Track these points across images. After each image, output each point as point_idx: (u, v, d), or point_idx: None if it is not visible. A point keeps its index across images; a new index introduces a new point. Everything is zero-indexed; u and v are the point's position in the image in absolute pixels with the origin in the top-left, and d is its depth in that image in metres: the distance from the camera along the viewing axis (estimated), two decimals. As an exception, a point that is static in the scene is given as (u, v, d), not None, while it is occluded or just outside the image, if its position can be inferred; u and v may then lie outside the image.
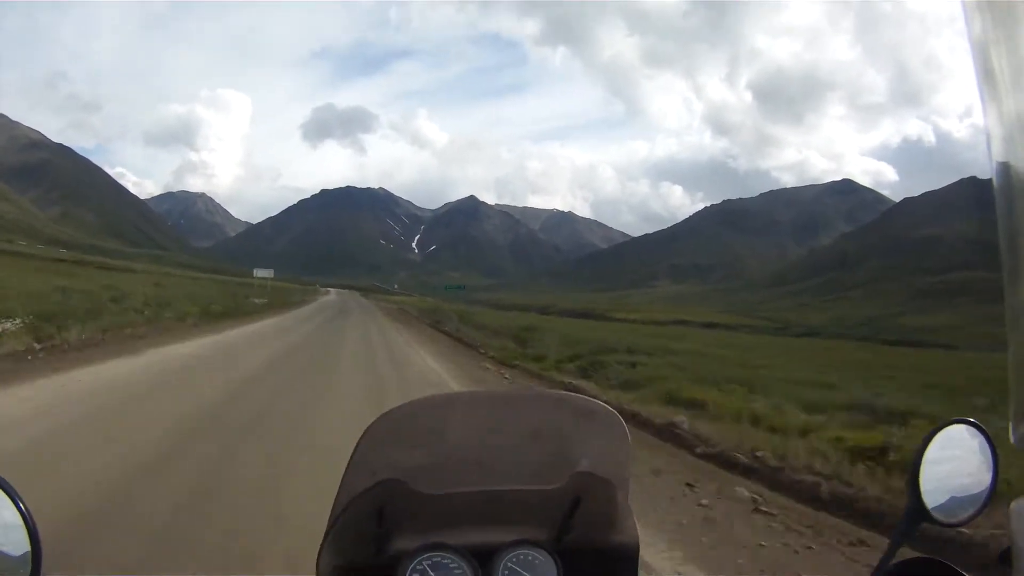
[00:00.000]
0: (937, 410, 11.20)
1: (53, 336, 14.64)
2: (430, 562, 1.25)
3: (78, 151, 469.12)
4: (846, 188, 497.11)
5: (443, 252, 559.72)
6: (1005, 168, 0.87)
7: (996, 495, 1.22)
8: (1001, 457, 1.21)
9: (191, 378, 12.36)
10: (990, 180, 0.92)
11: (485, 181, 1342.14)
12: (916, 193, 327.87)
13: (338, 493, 1.17)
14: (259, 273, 63.50)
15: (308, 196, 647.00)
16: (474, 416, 1.24)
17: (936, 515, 1.20)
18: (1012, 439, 1.00)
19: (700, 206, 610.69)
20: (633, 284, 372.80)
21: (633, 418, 11.06)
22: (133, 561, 4.01)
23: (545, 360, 19.40)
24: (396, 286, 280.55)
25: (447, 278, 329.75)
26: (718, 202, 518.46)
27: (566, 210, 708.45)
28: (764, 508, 6.76)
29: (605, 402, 1.11)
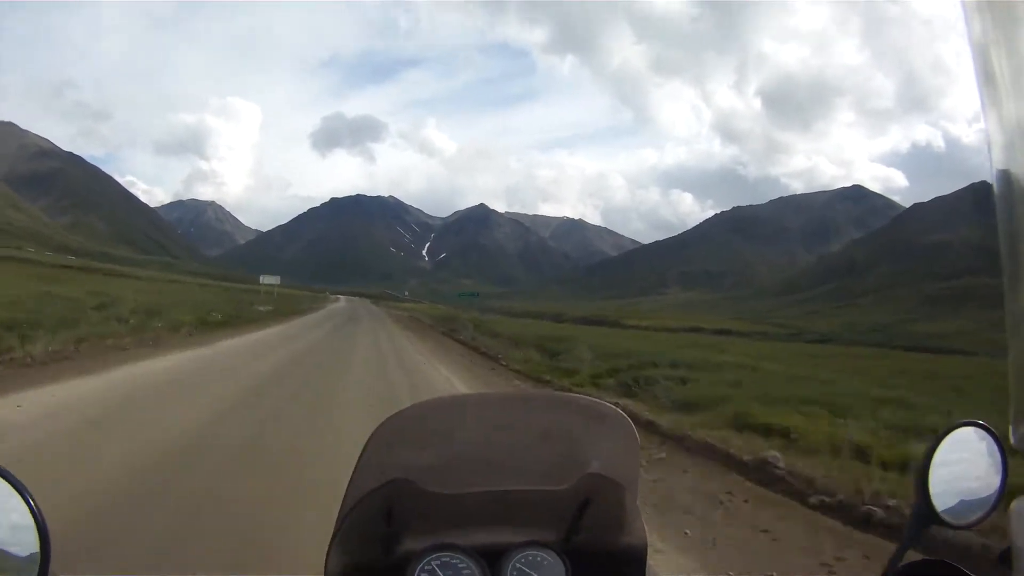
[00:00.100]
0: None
1: (13, 349, 12.59)
2: (439, 562, 1.24)
3: (88, 159, 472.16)
4: (856, 194, 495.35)
5: (453, 260, 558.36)
6: (1005, 173, 0.86)
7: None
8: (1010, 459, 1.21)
9: (152, 410, 9.50)
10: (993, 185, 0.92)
11: (495, 189, 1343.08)
12: (926, 199, 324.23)
13: (347, 493, 1.17)
14: (265, 280, 61.50)
15: (318, 204, 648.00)
16: (483, 417, 1.23)
17: (945, 517, 1.20)
18: (1012, 440, 1.00)
19: (710, 213, 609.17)
20: (643, 291, 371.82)
21: (710, 451, 8.98)
22: None
23: (578, 375, 17.26)
24: (407, 293, 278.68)
25: (458, 286, 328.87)
26: (728, 209, 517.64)
27: (576, 218, 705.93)
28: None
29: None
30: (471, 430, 1.21)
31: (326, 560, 1.21)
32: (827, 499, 7.07)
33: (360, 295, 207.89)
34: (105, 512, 5.06)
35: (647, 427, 10.89)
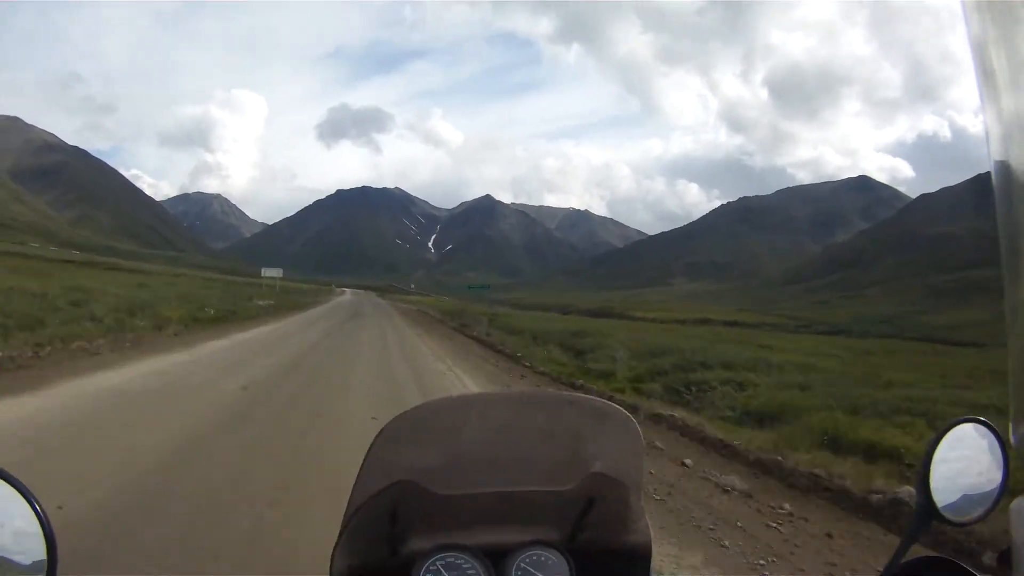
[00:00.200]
0: None
1: (-56, 357, 10.54)
2: (444, 562, 1.25)
3: (93, 153, 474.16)
4: (862, 184, 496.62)
5: (459, 251, 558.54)
6: (1004, 167, 0.87)
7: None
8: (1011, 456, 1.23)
9: (68, 456, 6.09)
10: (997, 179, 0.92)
11: (501, 180, 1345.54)
12: (932, 189, 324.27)
13: (352, 494, 1.18)
14: (267, 273, 59.54)
15: (324, 196, 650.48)
16: (488, 417, 1.24)
17: (946, 514, 1.21)
18: (1012, 439, 1.01)
19: (716, 203, 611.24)
20: (649, 282, 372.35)
21: (812, 482, 6.93)
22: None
23: (615, 378, 15.14)
24: (412, 286, 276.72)
25: (464, 278, 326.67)
26: (734, 199, 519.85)
27: (582, 209, 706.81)
28: None
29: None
30: (475, 430, 1.22)
31: (331, 561, 1.22)
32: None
33: (366, 287, 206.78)
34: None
35: (723, 450, 8.78)
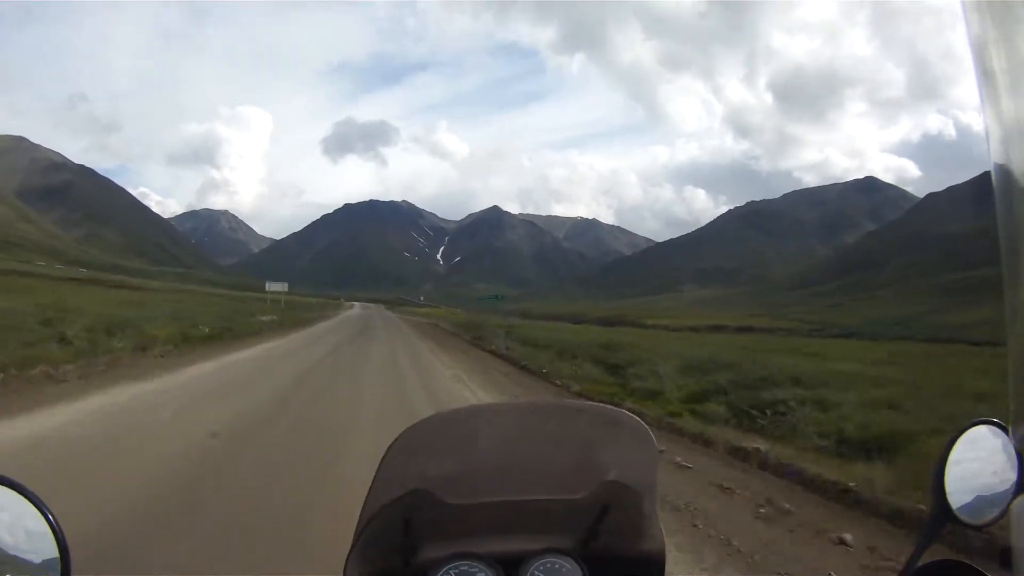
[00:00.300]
0: None
1: None
2: (457, 571, 1.25)
3: (100, 172, 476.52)
4: (869, 186, 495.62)
5: (468, 263, 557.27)
6: (1004, 168, 0.87)
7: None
8: None
9: None
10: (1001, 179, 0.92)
11: (508, 191, 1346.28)
12: (939, 188, 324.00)
13: (365, 503, 1.18)
14: (272, 287, 57.87)
15: (331, 211, 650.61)
16: (501, 426, 1.24)
17: (961, 516, 1.20)
18: (1013, 440, 1.02)
19: (724, 209, 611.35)
20: (659, 290, 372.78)
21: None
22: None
23: (664, 397, 13.00)
24: (422, 298, 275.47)
25: (473, 289, 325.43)
26: (742, 204, 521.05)
27: (590, 217, 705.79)
28: None
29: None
30: (488, 440, 1.21)
31: (344, 570, 1.21)
32: None
33: (375, 301, 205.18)
34: None
35: (846, 500, 6.61)
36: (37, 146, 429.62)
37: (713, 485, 7.26)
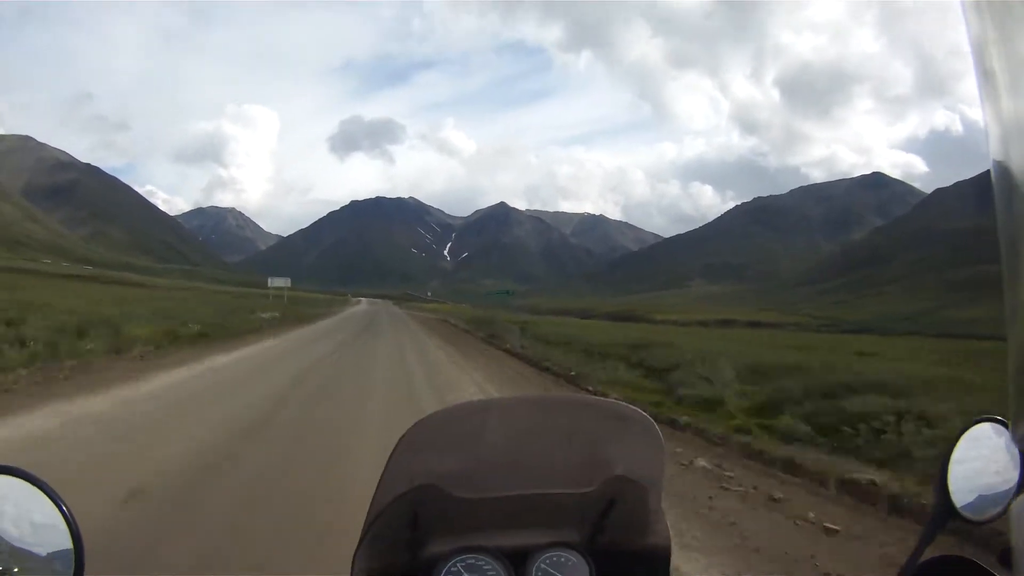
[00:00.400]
0: None
1: None
2: (464, 564, 1.26)
3: (107, 170, 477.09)
4: (876, 182, 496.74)
5: (475, 259, 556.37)
6: (1004, 167, 0.87)
7: None
8: None
9: None
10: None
11: (515, 187, 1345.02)
12: (946, 184, 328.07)
13: (374, 497, 1.18)
14: (274, 282, 56.19)
15: (338, 208, 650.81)
16: (508, 421, 1.24)
17: (964, 513, 1.21)
18: (1012, 440, 1.03)
19: (730, 205, 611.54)
20: (666, 285, 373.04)
21: None
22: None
23: (723, 408, 10.96)
24: (429, 294, 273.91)
25: (480, 285, 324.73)
26: (748, 200, 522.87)
27: (597, 213, 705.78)
28: None
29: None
30: (496, 434, 1.21)
31: (352, 564, 1.22)
32: None
33: (382, 297, 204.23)
34: None
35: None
36: (43, 145, 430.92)
37: (853, 543, 5.29)
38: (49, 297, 23.33)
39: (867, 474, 6.93)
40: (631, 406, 1.27)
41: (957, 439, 1.25)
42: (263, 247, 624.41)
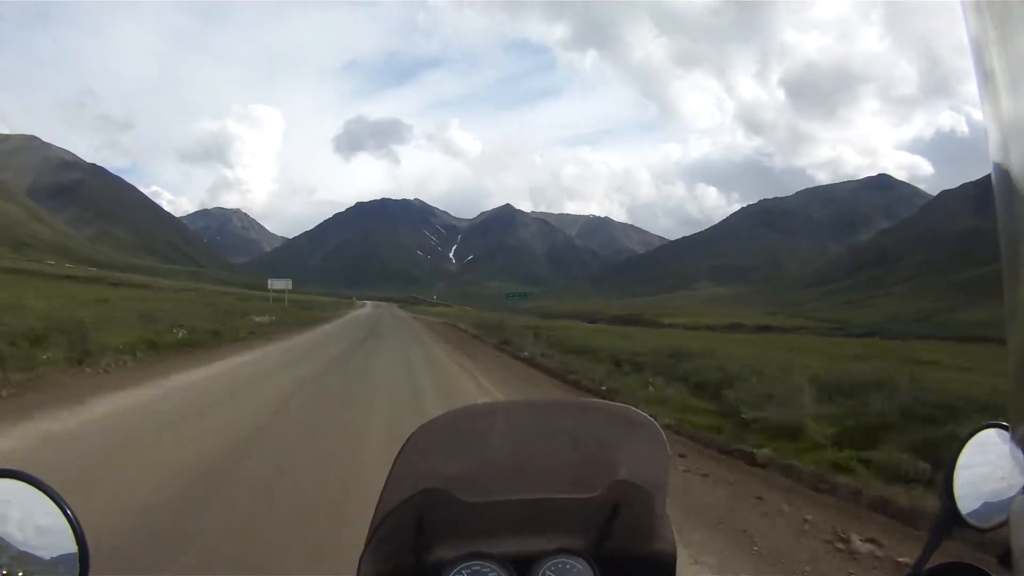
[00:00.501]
0: None
1: None
2: (469, 571, 1.25)
3: (112, 171, 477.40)
4: (883, 183, 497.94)
5: (481, 261, 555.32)
6: (1003, 168, 0.86)
7: None
8: None
9: None
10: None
11: (520, 189, 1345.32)
12: (952, 185, 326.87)
13: (380, 501, 1.18)
14: (275, 284, 54.38)
15: (343, 209, 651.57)
16: (514, 425, 1.24)
17: (970, 519, 1.21)
18: (1011, 440, 1.01)
19: (736, 207, 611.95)
20: (672, 288, 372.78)
21: None
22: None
23: (805, 436, 8.92)
24: (435, 297, 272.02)
25: (486, 287, 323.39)
26: (754, 202, 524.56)
27: (602, 215, 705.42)
28: None
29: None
30: (501, 438, 1.21)
31: (358, 568, 1.22)
32: None
33: (387, 299, 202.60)
34: None
35: None
36: (48, 145, 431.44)
37: None
38: (25, 298, 21.32)
39: None
40: (636, 410, 1.27)
41: (963, 445, 1.25)
42: (268, 249, 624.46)
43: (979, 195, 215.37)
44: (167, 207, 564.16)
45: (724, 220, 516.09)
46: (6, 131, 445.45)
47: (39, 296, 24.29)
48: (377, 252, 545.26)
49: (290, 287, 55.68)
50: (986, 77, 0.84)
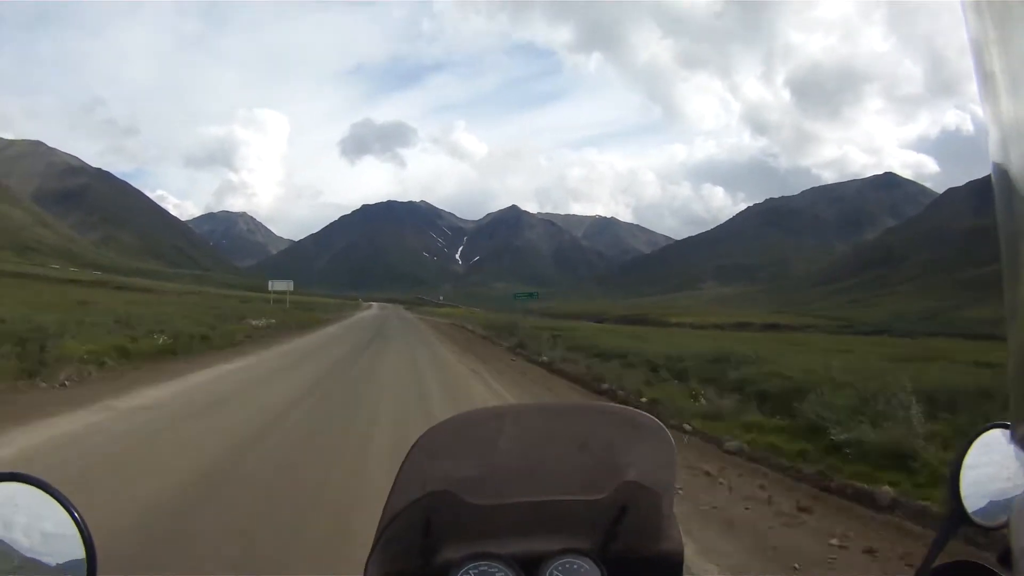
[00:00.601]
0: None
1: None
2: (476, 571, 1.26)
3: (117, 175, 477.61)
4: (888, 182, 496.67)
5: (487, 263, 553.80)
6: (1003, 168, 0.86)
7: None
8: None
9: None
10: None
11: (526, 190, 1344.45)
12: (958, 184, 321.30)
13: (387, 503, 1.18)
14: (275, 286, 52.73)
15: (349, 212, 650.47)
16: (521, 427, 1.24)
17: (976, 518, 1.21)
18: (1011, 440, 0.98)
19: (742, 206, 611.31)
20: (678, 287, 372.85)
21: None
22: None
23: (923, 466, 6.97)
24: (441, 298, 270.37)
25: (493, 289, 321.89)
26: (760, 201, 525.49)
27: (608, 216, 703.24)
28: None
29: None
30: (509, 441, 1.21)
31: (365, 569, 1.22)
32: None
33: (394, 301, 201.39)
34: None
35: None
36: (54, 150, 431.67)
37: None
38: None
39: None
40: (642, 412, 1.27)
41: (969, 444, 1.25)
42: (274, 251, 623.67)
43: (985, 193, 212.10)
44: (173, 211, 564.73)
45: (730, 220, 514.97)
46: (11, 136, 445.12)
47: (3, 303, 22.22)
48: (383, 254, 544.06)
49: (291, 288, 53.95)
50: (986, 77, 0.84)
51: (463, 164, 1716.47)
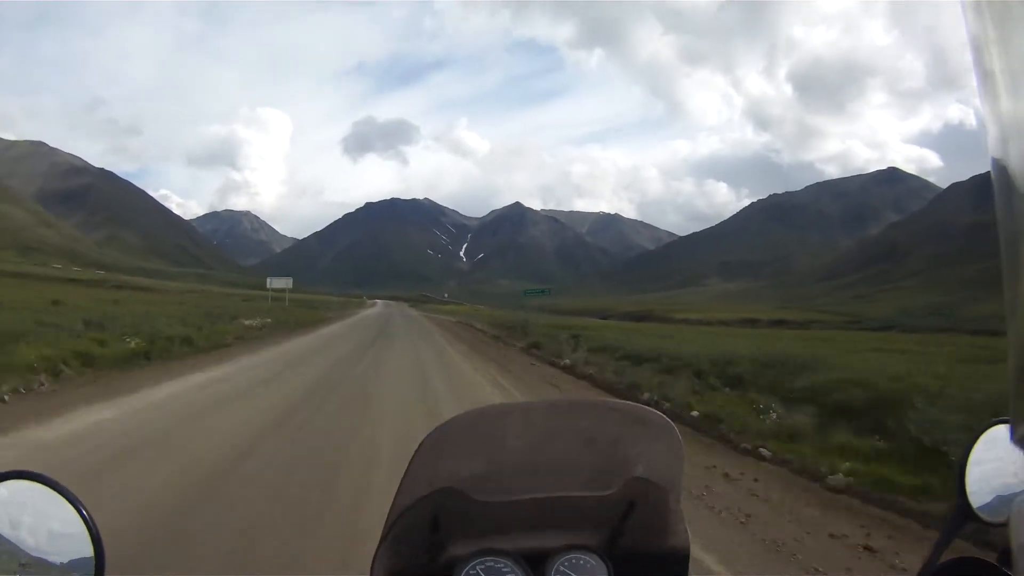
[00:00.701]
0: None
1: None
2: (483, 566, 1.26)
3: (120, 175, 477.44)
4: (892, 177, 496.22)
5: (491, 259, 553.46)
6: (1003, 167, 0.86)
7: None
8: None
9: None
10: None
11: (529, 187, 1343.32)
12: (961, 178, 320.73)
13: (394, 500, 1.19)
14: (274, 283, 51.06)
15: (353, 210, 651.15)
16: (529, 425, 1.24)
17: (982, 514, 1.22)
18: (1011, 440, 0.97)
19: (746, 202, 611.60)
20: (683, 284, 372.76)
21: None
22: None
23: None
24: (446, 295, 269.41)
25: (497, 285, 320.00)
26: (764, 197, 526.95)
27: (612, 212, 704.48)
28: None
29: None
30: (517, 438, 1.22)
31: (372, 565, 1.23)
32: None
33: (398, 299, 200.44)
34: None
35: None
36: (56, 150, 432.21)
37: None
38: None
39: None
40: (649, 408, 1.28)
41: (974, 440, 1.25)
42: (278, 250, 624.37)
43: (988, 188, 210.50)
44: (176, 210, 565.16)
45: (734, 215, 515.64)
46: (13, 137, 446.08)
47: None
48: (387, 252, 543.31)
49: (290, 286, 52.29)
50: (986, 76, 0.85)
51: (466, 161, 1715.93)
